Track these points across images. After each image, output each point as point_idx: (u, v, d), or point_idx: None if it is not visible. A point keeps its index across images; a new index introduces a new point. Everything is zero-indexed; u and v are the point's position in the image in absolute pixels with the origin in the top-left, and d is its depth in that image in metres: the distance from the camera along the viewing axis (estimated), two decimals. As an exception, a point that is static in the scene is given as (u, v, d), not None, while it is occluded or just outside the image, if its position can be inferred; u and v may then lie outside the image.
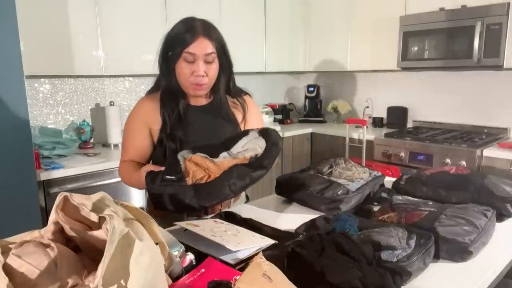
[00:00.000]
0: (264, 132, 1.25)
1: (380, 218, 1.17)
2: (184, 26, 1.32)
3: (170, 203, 1.12)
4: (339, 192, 1.33)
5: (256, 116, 1.54)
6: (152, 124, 1.39)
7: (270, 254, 0.87)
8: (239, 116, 1.49)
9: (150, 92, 1.45)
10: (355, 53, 3.41)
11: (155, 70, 1.41)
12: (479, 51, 2.57)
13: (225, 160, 1.18)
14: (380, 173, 1.51)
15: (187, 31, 1.30)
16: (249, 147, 1.22)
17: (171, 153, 1.34)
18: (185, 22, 1.33)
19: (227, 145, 1.25)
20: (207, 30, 1.31)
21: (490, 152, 2.49)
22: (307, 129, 3.56)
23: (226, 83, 1.44)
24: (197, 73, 1.30)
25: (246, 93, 1.53)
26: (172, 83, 1.37)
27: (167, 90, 1.38)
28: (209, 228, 1.03)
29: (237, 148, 1.23)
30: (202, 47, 1.29)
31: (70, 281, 0.62)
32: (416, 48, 2.92)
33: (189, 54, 1.29)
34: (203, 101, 1.44)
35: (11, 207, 1.88)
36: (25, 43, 2.09)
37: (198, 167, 1.15)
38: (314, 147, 3.59)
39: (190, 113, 1.40)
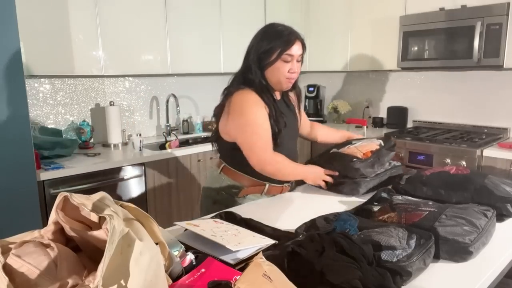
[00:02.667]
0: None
1: (380, 218, 1.17)
2: (283, 30, 1.47)
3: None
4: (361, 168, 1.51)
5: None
6: None
7: (270, 254, 0.87)
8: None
9: (237, 86, 1.52)
10: (355, 53, 3.41)
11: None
12: (479, 51, 2.57)
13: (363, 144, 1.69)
14: (399, 163, 1.67)
15: (288, 35, 1.46)
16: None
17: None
18: (283, 27, 1.49)
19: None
20: (300, 34, 1.51)
21: (490, 152, 2.49)
22: (307, 129, 3.56)
23: None
24: (293, 70, 1.50)
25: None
26: (263, 80, 1.51)
27: (262, 86, 1.50)
28: (209, 228, 1.03)
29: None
30: (299, 49, 1.50)
31: (70, 281, 0.62)
32: (416, 48, 2.92)
33: (288, 56, 1.47)
34: (277, 95, 1.60)
35: (11, 207, 1.88)
36: (25, 43, 2.10)
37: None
38: (314, 147, 3.58)
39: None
